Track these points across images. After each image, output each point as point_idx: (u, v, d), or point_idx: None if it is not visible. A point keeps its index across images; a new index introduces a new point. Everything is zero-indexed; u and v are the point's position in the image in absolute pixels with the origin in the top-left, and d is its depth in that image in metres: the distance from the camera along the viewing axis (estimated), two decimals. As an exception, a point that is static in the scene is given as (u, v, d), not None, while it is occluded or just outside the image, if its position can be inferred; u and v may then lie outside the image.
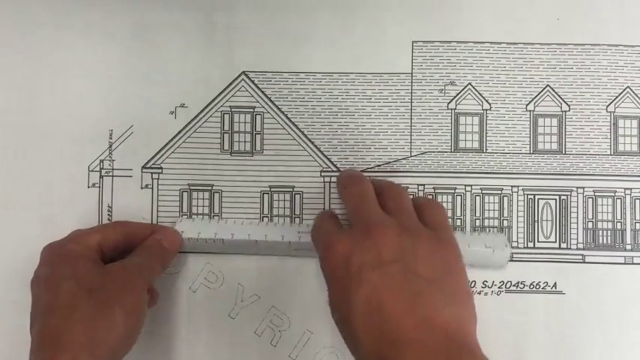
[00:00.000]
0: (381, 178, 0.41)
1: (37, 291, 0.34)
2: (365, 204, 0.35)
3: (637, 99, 0.43)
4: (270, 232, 0.40)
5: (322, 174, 0.43)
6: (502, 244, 0.40)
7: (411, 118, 0.43)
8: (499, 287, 0.42)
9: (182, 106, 0.43)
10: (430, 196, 0.42)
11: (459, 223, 0.43)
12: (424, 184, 0.43)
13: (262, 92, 0.43)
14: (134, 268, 0.36)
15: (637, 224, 0.43)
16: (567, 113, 0.43)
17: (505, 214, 0.43)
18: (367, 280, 0.31)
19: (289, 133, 0.43)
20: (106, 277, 0.34)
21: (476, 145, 0.43)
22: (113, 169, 0.43)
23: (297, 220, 0.43)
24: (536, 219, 0.43)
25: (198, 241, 0.40)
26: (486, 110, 0.43)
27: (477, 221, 0.43)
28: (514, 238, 0.43)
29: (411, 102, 0.43)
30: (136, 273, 0.36)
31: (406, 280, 0.31)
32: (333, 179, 0.43)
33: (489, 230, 0.42)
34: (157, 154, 0.43)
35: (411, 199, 0.37)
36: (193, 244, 0.41)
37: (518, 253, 0.43)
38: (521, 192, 0.43)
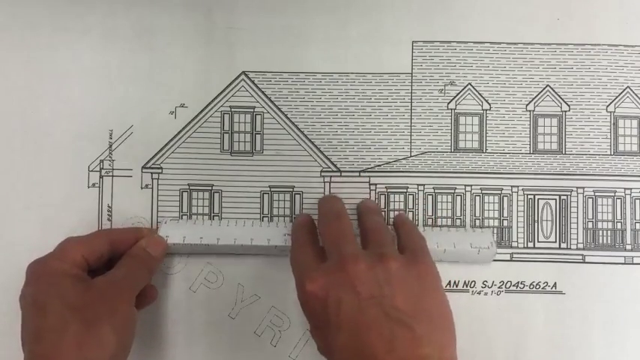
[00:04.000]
0: (366, 204, 0.41)
1: (25, 310, 0.34)
2: (341, 239, 0.35)
3: (637, 99, 0.43)
4: (256, 234, 0.40)
5: (322, 174, 0.43)
6: (487, 244, 0.40)
7: (411, 118, 0.43)
8: (499, 287, 0.42)
9: (182, 106, 0.43)
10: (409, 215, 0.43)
11: (458, 223, 0.43)
12: (424, 184, 0.43)
13: (262, 92, 0.43)
14: (121, 281, 0.36)
15: (637, 224, 0.43)
16: (567, 113, 0.43)
17: (505, 214, 0.43)
18: (346, 324, 0.31)
19: (289, 133, 0.43)
20: (92, 294, 0.34)
21: (476, 145, 0.43)
22: (113, 169, 0.42)
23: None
24: (536, 219, 0.43)
25: (184, 246, 0.40)
26: (486, 110, 0.43)
27: (477, 221, 0.43)
28: (514, 238, 0.43)
29: (411, 102, 0.43)
30: (123, 286, 0.36)
31: (385, 318, 0.31)
32: (334, 179, 0.43)
33: (475, 228, 0.42)
34: (156, 154, 0.43)
35: (389, 227, 0.38)
36: (179, 247, 0.40)
37: (518, 253, 0.43)
38: (521, 192, 0.43)
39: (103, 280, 0.35)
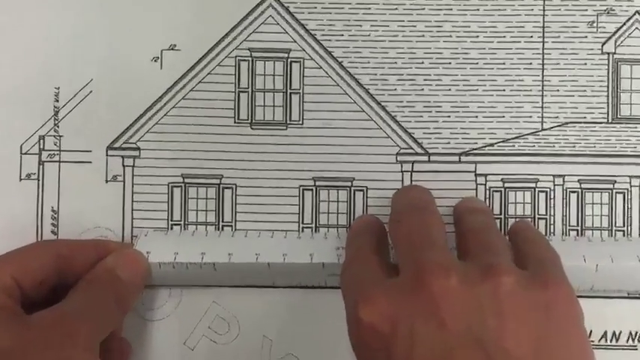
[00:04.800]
0: (467, 204, 0.33)
1: None
2: (421, 241, 0.29)
3: None
4: (292, 249, 0.33)
5: (399, 158, 0.33)
6: None
7: (543, 70, 0.33)
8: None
9: (172, 48, 0.34)
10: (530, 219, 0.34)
11: (621, 236, 0.33)
12: (564, 175, 0.33)
13: (302, 26, 0.34)
14: (75, 317, 0.29)
15: None
16: None
17: (696, 224, 0.33)
18: None
19: (346, 93, 0.34)
20: (29, 335, 0.28)
21: (647, 112, 0.33)
22: (60, 150, 0.34)
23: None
24: None
25: (175, 267, 0.32)
26: (664, 55, 0.33)
27: (649, 236, 0.32)
28: None
29: (543, 42, 0.33)
30: (77, 323, 0.29)
31: None
32: (417, 166, 0.33)
33: None
34: (131, 126, 0.34)
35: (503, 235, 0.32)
36: (167, 271, 0.32)
37: None
38: None
39: (46, 315, 0.29)
